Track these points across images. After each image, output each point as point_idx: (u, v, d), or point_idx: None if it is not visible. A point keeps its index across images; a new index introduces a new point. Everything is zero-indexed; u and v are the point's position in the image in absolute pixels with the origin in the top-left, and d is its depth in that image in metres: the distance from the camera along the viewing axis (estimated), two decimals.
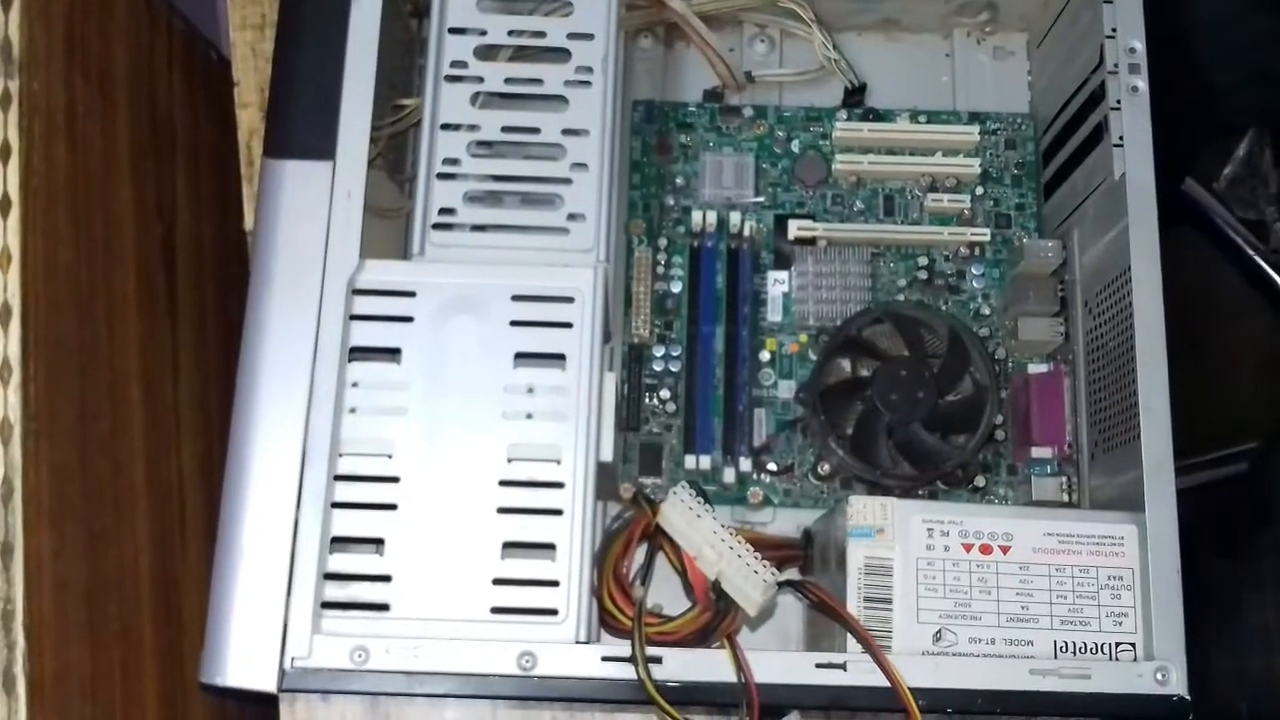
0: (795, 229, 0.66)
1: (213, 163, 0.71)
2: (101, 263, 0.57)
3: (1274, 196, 0.67)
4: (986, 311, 0.65)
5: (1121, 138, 0.57)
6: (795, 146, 0.68)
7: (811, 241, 0.66)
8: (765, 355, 0.65)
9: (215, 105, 0.70)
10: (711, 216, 0.66)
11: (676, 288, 0.66)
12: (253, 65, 0.68)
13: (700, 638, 0.51)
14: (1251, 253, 0.70)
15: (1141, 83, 0.57)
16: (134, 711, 0.56)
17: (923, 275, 0.66)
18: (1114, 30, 0.59)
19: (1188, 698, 0.50)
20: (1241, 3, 0.69)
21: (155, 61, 0.67)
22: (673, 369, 0.65)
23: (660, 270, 0.66)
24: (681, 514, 0.49)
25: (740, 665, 0.49)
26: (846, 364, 0.63)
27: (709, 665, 0.50)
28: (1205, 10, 0.66)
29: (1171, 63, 0.58)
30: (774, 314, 0.66)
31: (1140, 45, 0.58)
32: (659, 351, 0.65)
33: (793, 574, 0.59)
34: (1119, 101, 0.58)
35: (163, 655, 0.59)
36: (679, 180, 0.68)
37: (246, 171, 0.67)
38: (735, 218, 0.66)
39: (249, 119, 0.68)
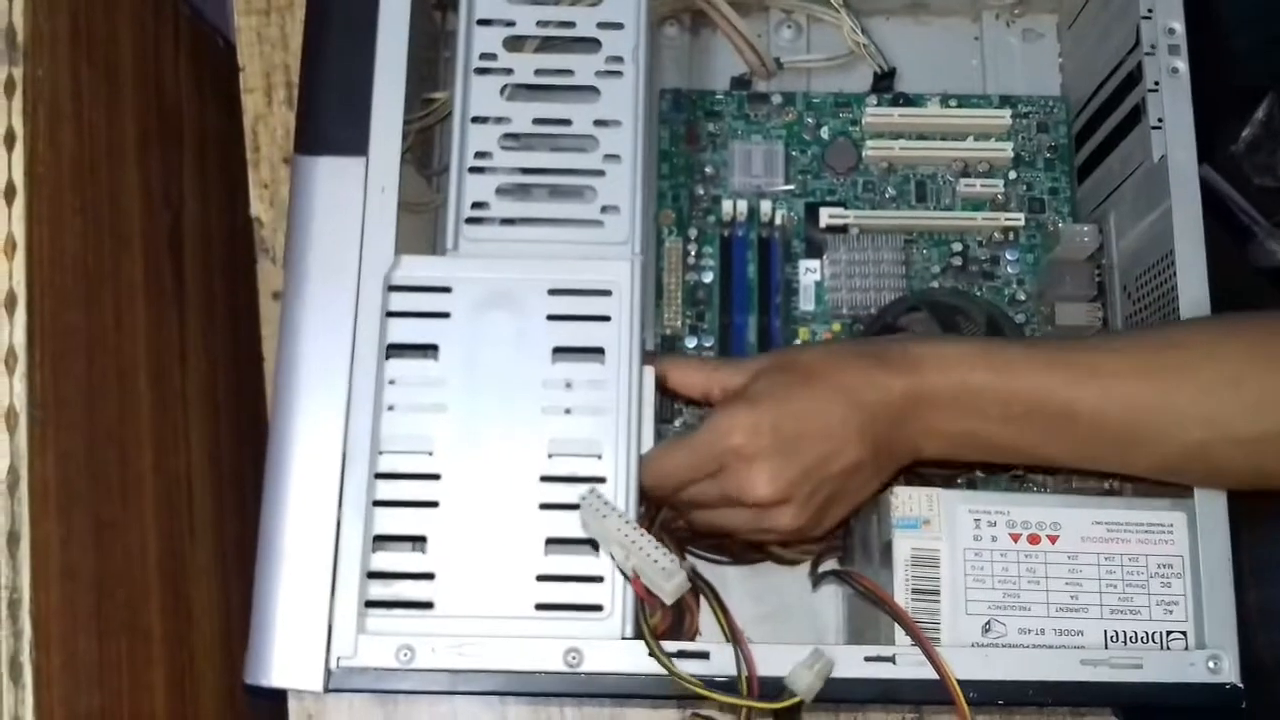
0: (826, 217, 0.65)
1: (220, 149, 0.71)
2: (108, 250, 0.57)
3: None
4: (1022, 297, 0.65)
5: (1160, 120, 0.56)
6: (825, 133, 0.67)
7: (843, 229, 0.66)
8: (798, 344, 0.65)
9: (222, 92, 0.70)
10: (742, 205, 0.66)
11: (708, 278, 0.65)
12: (258, 50, 0.68)
13: (676, 631, 0.51)
14: (1273, 246, 0.68)
15: (1181, 64, 0.57)
16: (142, 700, 0.56)
17: (957, 261, 0.65)
18: (1150, 10, 0.58)
19: (1240, 686, 0.49)
20: None
21: (161, 47, 0.66)
22: None
23: (691, 261, 0.66)
24: (591, 516, 0.49)
25: (735, 638, 0.49)
26: None
27: (771, 662, 0.49)
28: None
29: (1191, 25, 0.58)
30: (806, 303, 0.65)
31: (1179, 26, 0.57)
32: (691, 343, 0.65)
33: (833, 564, 0.59)
34: (1157, 83, 0.57)
35: (171, 644, 0.59)
36: (708, 169, 0.67)
37: (252, 157, 0.66)
38: (766, 206, 0.66)
39: (254, 104, 0.67)
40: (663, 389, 0.55)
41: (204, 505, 0.64)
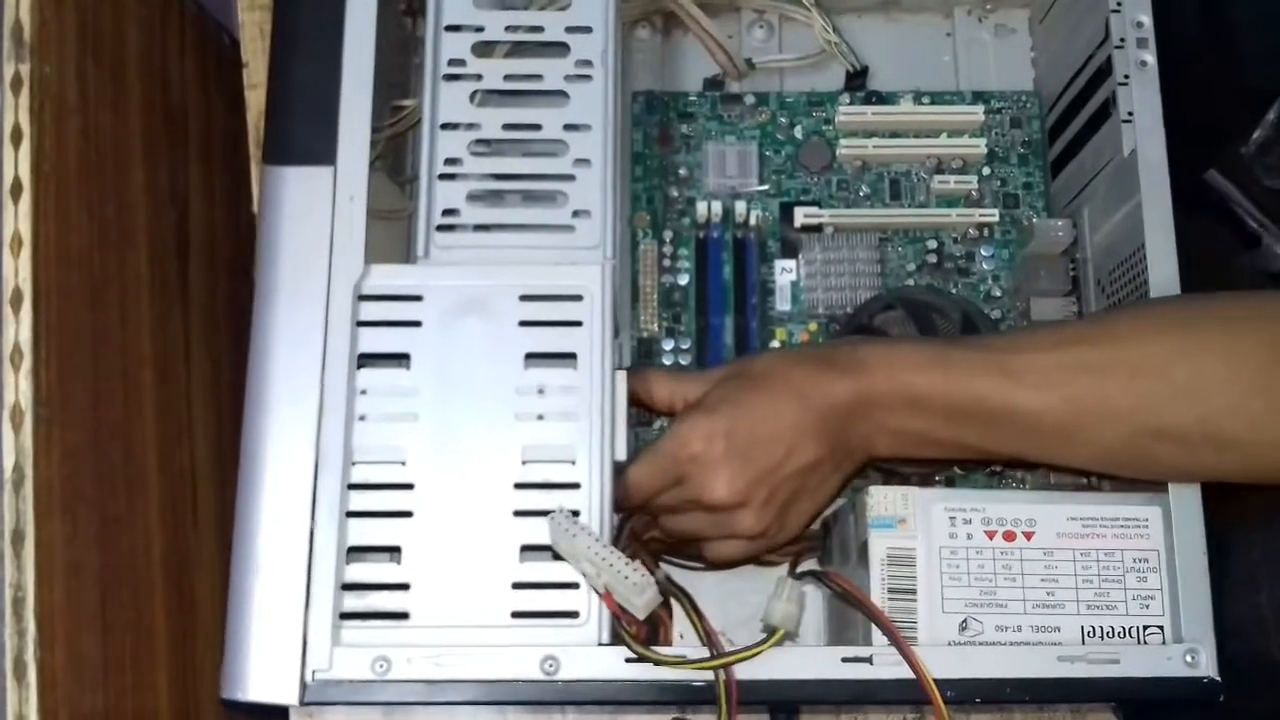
0: (801, 216, 0.65)
1: (225, 147, 0.71)
2: (114, 248, 0.57)
3: None
4: (997, 293, 0.65)
5: (1130, 113, 0.56)
6: (798, 133, 0.67)
7: (818, 228, 0.66)
8: (775, 345, 0.64)
9: (227, 89, 0.70)
10: (716, 207, 0.66)
11: (683, 280, 0.65)
12: (261, 46, 0.67)
13: (650, 644, 0.51)
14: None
15: (1150, 57, 0.56)
16: (145, 699, 0.56)
17: (932, 259, 0.65)
18: (1119, 4, 0.58)
19: (1218, 679, 0.49)
20: None
21: (168, 46, 0.66)
22: (682, 362, 0.64)
23: (666, 263, 0.66)
24: (560, 536, 0.49)
25: (711, 642, 0.49)
26: None
27: (749, 664, 0.49)
28: None
29: (1202, 25, 0.58)
30: (783, 303, 0.65)
31: (1147, 19, 0.57)
32: (668, 345, 0.64)
33: (811, 565, 0.59)
34: (1126, 76, 0.57)
35: (175, 642, 0.59)
36: (682, 171, 0.67)
37: (256, 153, 0.66)
38: (740, 207, 0.66)
39: (258, 100, 0.67)
40: (634, 402, 0.56)
41: (208, 502, 0.64)
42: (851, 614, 0.53)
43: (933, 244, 0.65)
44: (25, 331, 0.49)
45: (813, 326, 0.65)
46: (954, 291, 0.65)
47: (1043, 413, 0.50)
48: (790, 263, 0.66)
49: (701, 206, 0.66)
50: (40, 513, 0.48)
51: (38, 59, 0.51)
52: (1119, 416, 0.49)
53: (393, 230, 0.61)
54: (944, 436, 0.52)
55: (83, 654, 0.50)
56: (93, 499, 0.52)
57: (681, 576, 0.58)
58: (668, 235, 0.66)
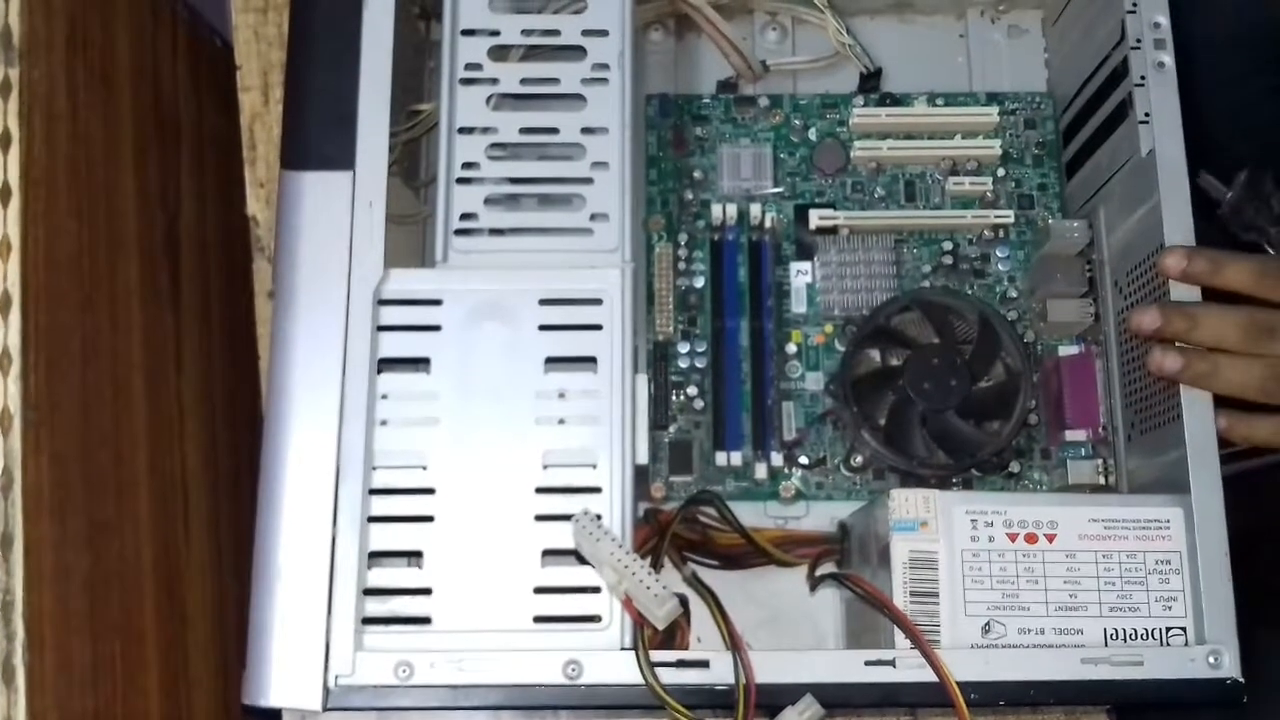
0: (816, 218, 0.65)
1: (217, 151, 0.71)
2: (104, 252, 0.57)
3: (1277, 218, 0.67)
4: (1013, 294, 0.65)
5: (1148, 114, 0.56)
6: (812, 135, 0.67)
7: (833, 230, 0.66)
8: (791, 348, 0.64)
9: (219, 93, 0.70)
10: (731, 209, 0.65)
11: (699, 283, 0.65)
12: (255, 49, 0.67)
13: (666, 645, 0.51)
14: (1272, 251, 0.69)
15: (1167, 58, 0.56)
16: (135, 704, 0.56)
17: (947, 260, 0.65)
18: (1135, 5, 0.58)
19: (1241, 680, 0.49)
20: (1240, 66, 0.71)
21: (159, 49, 0.66)
22: (699, 365, 0.64)
23: (682, 266, 0.66)
24: (584, 539, 0.49)
25: (735, 645, 0.49)
26: (876, 354, 0.62)
27: (772, 668, 0.49)
28: (1205, 72, 0.65)
29: None
30: (798, 305, 0.65)
31: (1165, 20, 0.57)
32: (684, 348, 0.64)
33: (830, 567, 0.59)
34: (1143, 77, 0.57)
35: (165, 647, 0.59)
36: (696, 174, 0.67)
37: (248, 155, 0.66)
38: (755, 209, 0.66)
39: (251, 103, 0.66)
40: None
41: (199, 507, 0.64)
42: (872, 617, 0.53)
43: (948, 245, 0.65)
44: (14, 336, 0.49)
45: (829, 328, 0.65)
46: (970, 293, 0.65)
47: None
48: (805, 265, 0.65)
49: (716, 209, 0.65)
50: (29, 517, 0.48)
51: (26, 63, 0.51)
52: None
53: (407, 235, 0.61)
54: None
55: (72, 658, 0.51)
56: (82, 504, 0.52)
57: (705, 575, 0.57)
58: (683, 238, 0.66)
